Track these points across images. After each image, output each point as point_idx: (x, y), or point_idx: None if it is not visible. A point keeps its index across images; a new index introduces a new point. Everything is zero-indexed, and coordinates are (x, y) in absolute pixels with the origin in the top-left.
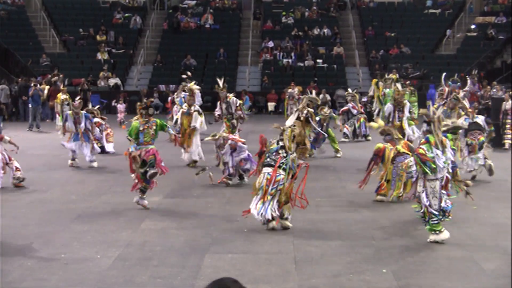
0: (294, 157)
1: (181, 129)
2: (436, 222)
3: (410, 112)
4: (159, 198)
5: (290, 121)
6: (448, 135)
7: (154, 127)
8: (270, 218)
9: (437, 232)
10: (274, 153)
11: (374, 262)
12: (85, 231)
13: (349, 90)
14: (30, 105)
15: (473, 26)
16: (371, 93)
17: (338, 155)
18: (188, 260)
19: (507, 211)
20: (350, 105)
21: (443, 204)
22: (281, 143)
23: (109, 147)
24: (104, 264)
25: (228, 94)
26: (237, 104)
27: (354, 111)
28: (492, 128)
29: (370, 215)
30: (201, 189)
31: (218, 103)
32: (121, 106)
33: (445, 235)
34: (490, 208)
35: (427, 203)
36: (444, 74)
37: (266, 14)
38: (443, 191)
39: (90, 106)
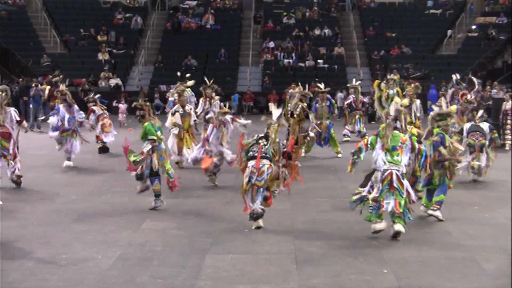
0: (278, 141)
1: (181, 132)
2: (371, 211)
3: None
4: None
5: (276, 114)
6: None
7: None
8: (260, 211)
9: (374, 221)
10: (254, 145)
11: (374, 262)
12: (86, 231)
13: (354, 80)
14: (31, 106)
15: (473, 27)
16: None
17: (339, 155)
18: (188, 260)
19: (508, 211)
20: (351, 97)
21: (385, 205)
22: (261, 134)
23: (107, 137)
24: (104, 264)
25: (214, 96)
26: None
27: (353, 105)
28: (496, 135)
29: None
30: (201, 189)
31: (201, 100)
32: (122, 106)
33: (380, 225)
34: (490, 208)
35: (368, 190)
36: (456, 75)
37: (267, 15)
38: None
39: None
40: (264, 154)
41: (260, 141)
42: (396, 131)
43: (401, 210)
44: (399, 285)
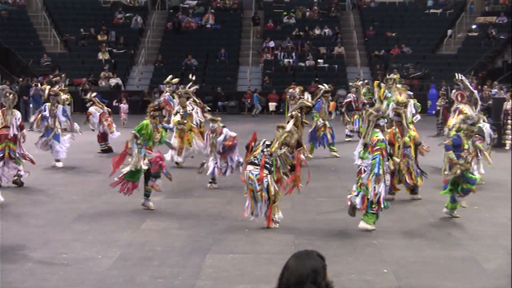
0: (282, 153)
1: (182, 132)
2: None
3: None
4: (160, 198)
5: (290, 126)
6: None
7: (159, 134)
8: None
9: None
10: (260, 152)
11: (375, 262)
12: (86, 231)
13: (359, 82)
14: (31, 105)
15: (474, 26)
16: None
17: (337, 155)
18: (189, 260)
19: (508, 211)
20: (351, 97)
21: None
22: (267, 142)
23: (113, 135)
24: (105, 264)
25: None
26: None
27: (353, 105)
28: (496, 136)
29: None
30: (202, 189)
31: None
32: (124, 106)
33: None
34: (490, 208)
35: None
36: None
37: (267, 14)
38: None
39: (92, 94)
40: (266, 165)
41: (265, 150)
42: (376, 129)
43: (366, 205)
44: (399, 285)
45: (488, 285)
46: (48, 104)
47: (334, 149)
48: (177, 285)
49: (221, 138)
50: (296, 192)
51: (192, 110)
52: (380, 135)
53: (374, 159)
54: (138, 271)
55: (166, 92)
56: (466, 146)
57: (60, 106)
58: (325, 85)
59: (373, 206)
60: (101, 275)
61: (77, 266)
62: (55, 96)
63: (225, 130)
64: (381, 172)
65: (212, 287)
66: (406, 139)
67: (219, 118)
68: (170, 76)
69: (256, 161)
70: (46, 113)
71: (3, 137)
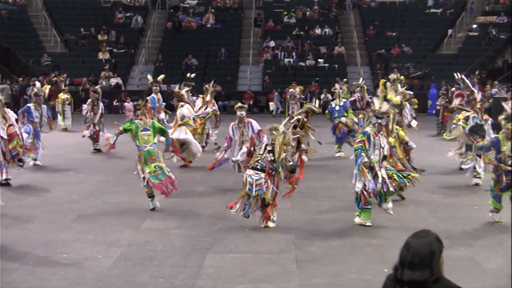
0: (283, 158)
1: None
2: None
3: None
4: (160, 198)
5: (284, 125)
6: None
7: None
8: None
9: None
10: (264, 158)
11: (375, 262)
12: (86, 231)
13: (361, 80)
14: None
15: (474, 26)
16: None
17: (342, 154)
18: (189, 260)
19: (508, 210)
20: (356, 96)
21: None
22: (268, 148)
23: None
24: (105, 264)
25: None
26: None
27: (358, 104)
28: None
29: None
30: (202, 189)
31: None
32: (129, 105)
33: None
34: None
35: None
36: (458, 74)
37: (267, 14)
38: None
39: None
40: (270, 171)
41: (268, 155)
42: (369, 125)
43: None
44: None
45: (488, 285)
46: (31, 105)
47: (340, 148)
48: (177, 285)
49: (250, 129)
50: (296, 192)
51: (182, 107)
52: (367, 129)
53: (356, 150)
54: (138, 271)
55: (153, 92)
56: (504, 148)
57: (44, 106)
58: (337, 85)
59: (359, 202)
60: (101, 275)
61: (77, 266)
62: (37, 97)
63: (252, 121)
64: (366, 159)
65: (212, 287)
66: (391, 139)
67: (246, 106)
68: (149, 77)
69: (259, 166)
70: (36, 114)
71: (15, 135)
